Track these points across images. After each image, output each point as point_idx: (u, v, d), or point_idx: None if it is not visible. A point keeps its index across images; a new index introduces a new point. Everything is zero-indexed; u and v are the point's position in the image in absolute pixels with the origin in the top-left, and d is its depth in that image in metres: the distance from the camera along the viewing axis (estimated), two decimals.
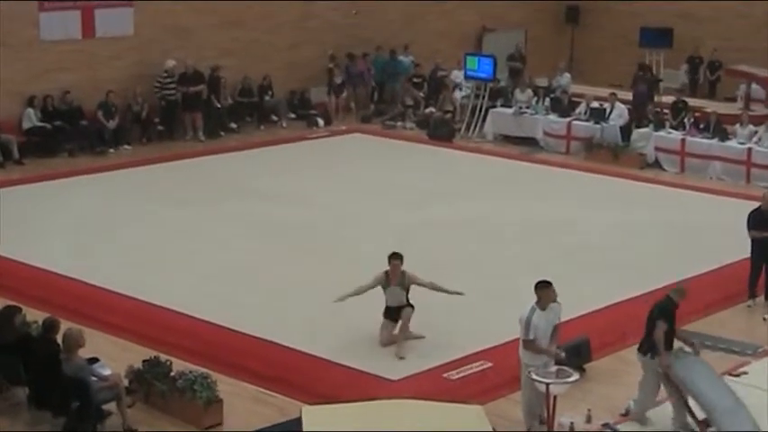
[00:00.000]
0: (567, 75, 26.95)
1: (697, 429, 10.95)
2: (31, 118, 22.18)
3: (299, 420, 9.13)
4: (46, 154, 22.00)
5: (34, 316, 12.46)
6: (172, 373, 11.54)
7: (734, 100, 26.46)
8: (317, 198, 19.25)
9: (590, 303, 14.04)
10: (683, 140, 22.52)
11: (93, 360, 11.35)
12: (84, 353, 11.11)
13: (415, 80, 27.05)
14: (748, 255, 14.90)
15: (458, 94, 26.65)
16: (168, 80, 23.82)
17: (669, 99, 24.92)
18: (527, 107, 24.91)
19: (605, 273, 15.64)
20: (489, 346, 12.72)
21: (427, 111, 26.21)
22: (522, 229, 17.73)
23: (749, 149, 21.66)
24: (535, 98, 25.28)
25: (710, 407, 10.64)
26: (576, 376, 10.41)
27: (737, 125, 22.42)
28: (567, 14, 31.55)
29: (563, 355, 10.82)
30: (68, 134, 22.43)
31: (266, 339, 12.99)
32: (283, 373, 12.27)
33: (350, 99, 27.04)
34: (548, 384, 10.19)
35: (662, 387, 11.15)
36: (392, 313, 12.86)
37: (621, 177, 21.36)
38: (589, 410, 11.30)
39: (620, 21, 30.60)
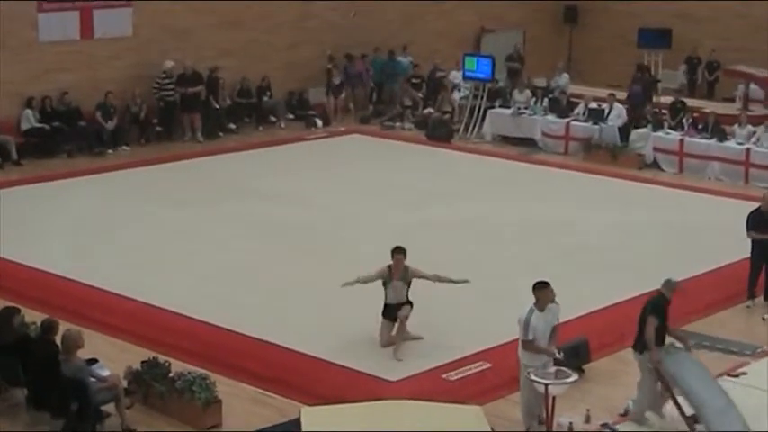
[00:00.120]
0: (566, 75, 26.97)
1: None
2: (30, 119, 22.17)
3: (298, 421, 9.14)
4: (44, 155, 21.99)
5: (33, 317, 12.46)
6: (170, 374, 11.54)
7: (732, 100, 26.48)
8: (315, 199, 19.25)
9: (588, 304, 14.04)
10: (681, 141, 22.53)
11: (92, 361, 11.36)
12: (82, 354, 11.10)
13: (413, 81, 27.04)
14: (747, 255, 14.92)
15: (456, 95, 26.65)
16: (167, 81, 23.82)
17: (667, 100, 24.90)
18: (525, 108, 24.92)
19: (604, 273, 15.65)
20: (488, 347, 12.72)
21: (426, 111, 26.21)
22: (520, 230, 17.73)
23: (747, 150, 21.67)
24: (533, 99, 25.29)
25: (700, 404, 10.64)
26: (574, 377, 10.42)
27: (736, 126, 22.43)
28: (566, 15, 31.55)
29: (557, 353, 10.78)
30: (67, 135, 22.41)
31: (265, 340, 12.99)
32: (282, 374, 12.28)
33: (348, 100, 27.04)
34: (546, 385, 10.20)
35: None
36: (392, 312, 12.82)
37: (620, 178, 21.36)
38: (588, 411, 11.31)
39: (618, 21, 30.60)
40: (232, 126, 24.86)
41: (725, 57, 27.98)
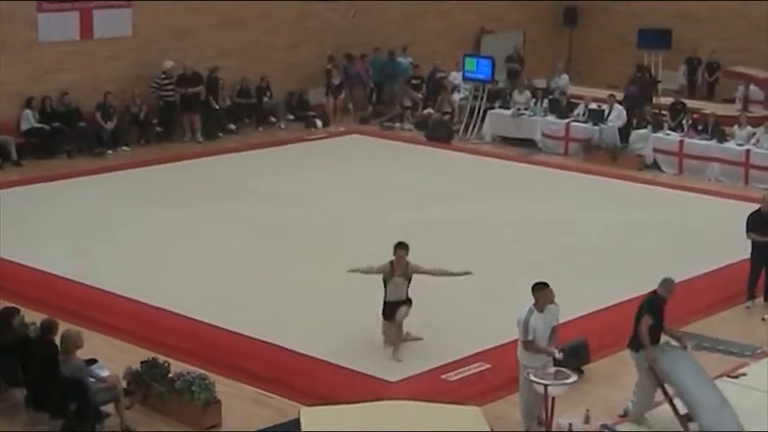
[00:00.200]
0: (565, 76, 26.95)
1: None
2: (30, 119, 22.16)
3: (297, 421, 9.14)
4: (44, 155, 21.99)
5: (32, 317, 12.45)
6: (170, 375, 11.54)
7: (732, 101, 26.48)
8: (315, 199, 19.24)
9: (588, 304, 14.04)
10: (681, 142, 22.53)
11: (92, 361, 11.35)
12: (82, 354, 11.10)
13: (413, 81, 27.04)
14: (746, 256, 14.92)
15: (456, 96, 26.65)
16: (166, 81, 23.81)
17: (667, 100, 24.92)
18: (525, 108, 24.91)
19: (604, 274, 15.65)
20: (487, 348, 12.72)
21: (425, 112, 26.21)
22: (520, 230, 17.73)
23: (747, 151, 21.67)
24: (533, 99, 25.29)
25: (694, 402, 10.64)
26: (574, 378, 10.43)
27: (736, 127, 22.43)
28: (566, 15, 31.54)
29: (558, 354, 10.77)
30: (67, 135, 22.41)
31: (265, 341, 12.98)
32: (282, 375, 12.27)
33: (348, 100, 27.04)
34: (546, 386, 10.20)
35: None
36: (392, 311, 12.75)
37: (620, 179, 21.36)
38: (587, 411, 11.30)
39: (618, 21, 30.59)
40: (232, 126, 24.85)
41: (725, 57, 27.98)
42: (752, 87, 26.06)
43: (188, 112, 24.10)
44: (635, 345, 11.19)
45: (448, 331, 13.27)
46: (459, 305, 13.93)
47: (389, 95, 27.45)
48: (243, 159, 22.46)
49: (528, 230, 17.70)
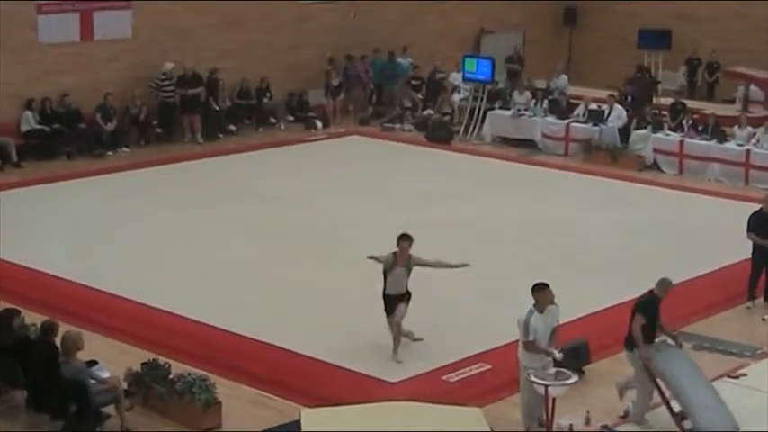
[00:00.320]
0: (564, 77, 26.92)
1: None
2: (30, 121, 22.16)
3: (298, 423, 9.14)
4: (44, 157, 21.98)
5: (33, 318, 12.45)
6: (170, 376, 11.53)
7: (732, 102, 26.48)
8: (315, 200, 19.25)
9: (588, 305, 14.04)
10: (681, 142, 22.53)
11: (92, 363, 11.36)
12: (82, 355, 11.10)
13: (413, 82, 27.04)
14: (747, 256, 14.91)
15: (456, 97, 26.65)
16: (166, 82, 23.82)
17: (667, 101, 24.91)
18: (525, 109, 24.91)
19: (604, 274, 15.65)
20: (488, 349, 12.71)
21: (425, 113, 26.20)
22: (520, 230, 17.74)
23: (747, 151, 21.67)
24: (533, 100, 25.28)
25: (689, 401, 10.63)
26: (574, 378, 10.41)
27: (736, 127, 22.43)
28: (565, 16, 31.54)
29: (558, 354, 10.77)
30: (67, 137, 22.41)
31: (265, 342, 12.98)
32: (282, 376, 12.27)
33: (348, 101, 27.04)
34: (546, 386, 10.20)
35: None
36: (392, 306, 12.60)
37: (620, 179, 21.36)
38: (588, 412, 11.30)
39: (618, 22, 30.59)
40: (232, 127, 24.85)
41: (725, 58, 27.98)
42: (752, 88, 26.05)
43: (188, 114, 24.10)
44: (629, 344, 11.20)
45: (448, 332, 13.28)
46: (460, 305, 13.94)
47: (389, 96, 27.44)
48: (243, 160, 22.46)
49: (528, 231, 17.70)
